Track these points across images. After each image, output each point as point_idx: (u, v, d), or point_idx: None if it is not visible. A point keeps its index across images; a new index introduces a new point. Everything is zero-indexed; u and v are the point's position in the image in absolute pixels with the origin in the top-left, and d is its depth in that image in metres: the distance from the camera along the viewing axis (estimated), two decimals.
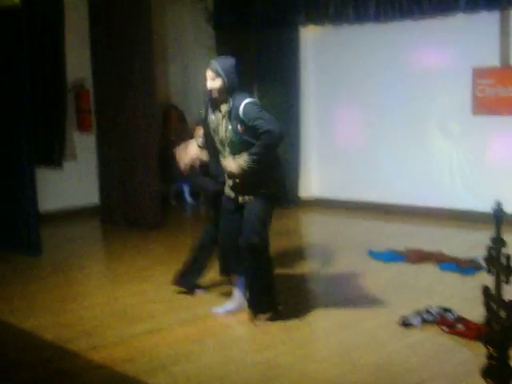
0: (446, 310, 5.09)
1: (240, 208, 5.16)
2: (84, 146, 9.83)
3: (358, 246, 7.37)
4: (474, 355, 4.24)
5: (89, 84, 9.62)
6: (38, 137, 8.90)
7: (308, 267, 6.83)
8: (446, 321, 4.93)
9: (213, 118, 5.13)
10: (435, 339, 4.77)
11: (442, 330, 4.85)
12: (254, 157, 4.90)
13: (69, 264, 7.41)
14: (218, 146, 5.14)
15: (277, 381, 4.25)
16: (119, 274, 6.84)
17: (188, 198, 10.41)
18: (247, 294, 5.26)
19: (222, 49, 10.95)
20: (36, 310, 5.74)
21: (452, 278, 6.25)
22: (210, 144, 5.26)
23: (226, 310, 5.44)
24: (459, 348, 4.62)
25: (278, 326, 5.14)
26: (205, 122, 5.23)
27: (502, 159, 8.42)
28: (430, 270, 6.57)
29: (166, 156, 9.82)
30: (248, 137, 4.93)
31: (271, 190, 5.13)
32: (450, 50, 8.71)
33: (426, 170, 9.07)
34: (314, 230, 9.37)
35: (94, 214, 9.60)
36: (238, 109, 4.93)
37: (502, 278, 2.33)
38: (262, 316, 5.19)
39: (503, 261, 2.35)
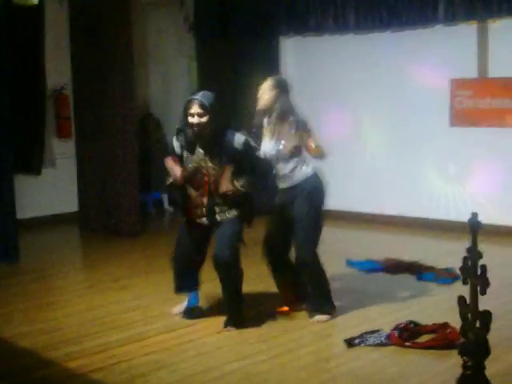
0: (412, 322, 5.08)
1: (206, 229, 5.37)
2: (63, 153, 9.78)
3: (336, 255, 7.38)
4: (450, 365, 4.27)
5: (68, 91, 9.59)
6: (16, 144, 8.83)
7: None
8: (402, 337, 4.89)
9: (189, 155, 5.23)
10: (411, 350, 4.79)
11: (406, 345, 4.82)
12: (250, 183, 5.17)
13: (47, 272, 7.37)
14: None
15: None
16: (98, 282, 6.82)
17: (167, 207, 10.40)
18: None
19: (202, 58, 10.99)
20: (14, 318, 5.72)
21: (429, 288, 6.29)
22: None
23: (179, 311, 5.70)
24: (436, 358, 4.65)
25: (256, 335, 5.16)
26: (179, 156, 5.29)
27: (480, 170, 8.51)
28: (407, 279, 6.61)
29: (145, 164, 9.83)
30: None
31: (248, 210, 5.33)
32: (428, 61, 8.78)
33: (404, 181, 9.12)
34: None
35: (73, 221, 9.54)
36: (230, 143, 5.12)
37: (478, 288, 2.37)
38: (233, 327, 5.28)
39: (479, 271, 2.39)
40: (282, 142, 5.25)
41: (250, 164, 5.17)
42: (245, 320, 5.34)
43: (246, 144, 5.16)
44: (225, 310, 5.38)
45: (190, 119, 5.06)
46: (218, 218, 5.24)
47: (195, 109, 5.03)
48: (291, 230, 5.38)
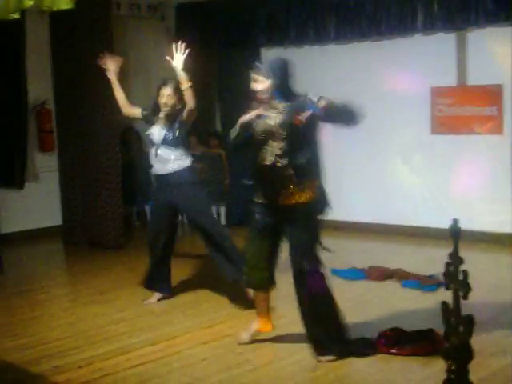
0: (397, 329, 5.08)
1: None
2: (46, 167, 9.76)
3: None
4: (435, 371, 4.29)
5: (51, 104, 9.58)
6: None
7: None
8: (387, 344, 4.91)
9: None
10: (396, 357, 4.81)
11: (392, 353, 4.85)
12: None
13: (31, 286, 7.33)
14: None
15: None
16: (82, 296, 6.80)
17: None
18: None
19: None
20: None
21: (413, 295, 6.33)
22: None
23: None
24: (421, 365, 4.67)
25: (242, 345, 5.16)
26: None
27: (461, 177, 8.57)
28: (391, 287, 6.65)
29: (128, 176, 9.81)
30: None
31: None
32: (408, 69, 8.86)
33: (386, 188, 9.18)
34: None
35: (57, 235, 9.53)
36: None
37: (460, 293, 2.40)
38: None
39: (461, 277, 2.42)
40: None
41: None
42: None
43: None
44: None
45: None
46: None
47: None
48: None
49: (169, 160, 6.09)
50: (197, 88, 10.74)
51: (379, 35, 8.85)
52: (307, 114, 4.57)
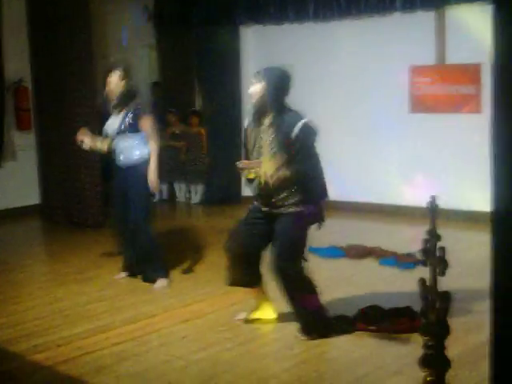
0: (375, 306, 5.14)
1: None
2: (24, 146, 9.69)
3: None
4: (413, 348, 4.34)
5: (28, 82, 9.50)
6: None
7: None
8: (365, 321, 4.95)
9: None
10: (375, 334, 4.86)
11: (370, 330, 4.89)
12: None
13: (9, 265, 7.29)
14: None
15: (221, 377, 4.29)
16: (61, 275, 6.78)
17: None
18: None
19: (162, 47, 10.97)
20: None
21: (391, 273, 6.38)
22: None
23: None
24: (399, 342, 4.72)
25: (221, 323, 5.19)
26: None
27: (439, 156, 8.62)
28: (370, 265, 6.70)
29: (107, 154, 9.75)
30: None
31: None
32: (387, 48, 8.87)
33: (365, 167, 9.22)
34: None
35: (35, 213, 9.49)
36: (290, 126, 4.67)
37: (438, 270, 2.42)
38: None
39: (438, 253, 2.43)
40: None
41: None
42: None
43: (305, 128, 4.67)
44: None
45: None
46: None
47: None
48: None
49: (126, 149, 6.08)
50: (176, 66, 10.83)
51: (358, 14, 8.84)
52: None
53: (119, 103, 6.05)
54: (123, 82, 6.02)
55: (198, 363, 4.50)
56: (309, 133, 4.68)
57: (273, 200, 4.76)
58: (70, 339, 4.97)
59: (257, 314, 5.22)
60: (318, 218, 4.83)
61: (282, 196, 4.72)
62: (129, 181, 6.07)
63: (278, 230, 4.78)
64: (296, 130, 4.61)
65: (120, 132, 6.04)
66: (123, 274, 6.45)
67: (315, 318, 4.84)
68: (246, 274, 5.02)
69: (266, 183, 4.67)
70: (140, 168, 6.04)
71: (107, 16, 10.66)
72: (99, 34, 10.03)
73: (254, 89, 4.73)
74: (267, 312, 5.22)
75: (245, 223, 5.00)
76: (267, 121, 4.73)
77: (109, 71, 6.03)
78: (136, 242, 6.15)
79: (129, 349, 4.77)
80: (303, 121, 4.67)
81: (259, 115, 4.77)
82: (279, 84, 4.72)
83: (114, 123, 6.08)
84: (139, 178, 6.03)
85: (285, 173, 4.61)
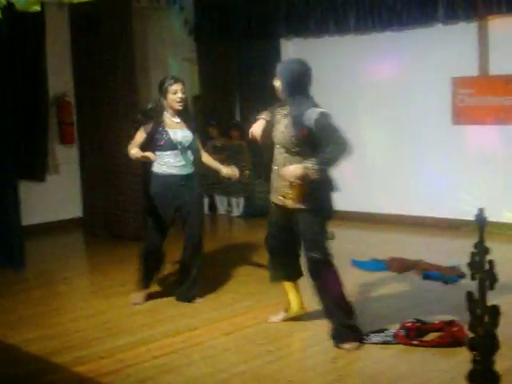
0: (418, 320, 5.06)
1: None
2: (67, 159, 9.80)
3: (341, 255, 7.35)
4: (458, 362, 4.27)
5: (71, 97, 9.61)
6: (20, 151, 8.86)
7: None
8: (408, 336, 4.89)
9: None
10: (419, 348, 4.79)
11: (413, 344, 4.82)
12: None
13: (53, 277, 7.38)
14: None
15: None
16: (103, 287, 6.82)
17: None
18: None
19: (203, 61, 11.02)
20: (20, 324, 5.72)
21: (434, 286, 6.29)
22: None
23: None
24: (443, 356, 4.64)
25: (263, 336, 5.16)
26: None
27: (483, 168, 8.50)
28: (413, 278, 6.61)
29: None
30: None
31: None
32: (429, 60, 8.79)
33: (408, 180, 9.13)
34: None
35: (78, 227, 9.58)
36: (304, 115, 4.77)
37: (486, 284, 2.37)
38: None
39: (487, 266, 2.39)
40: None
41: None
42: None
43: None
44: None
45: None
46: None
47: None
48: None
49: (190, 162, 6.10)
50: (217, 79, 10.87)
51: (400, 25, 8.79)
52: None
53: (186, 115, 6.07)
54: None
55: (240, 376, 4.48)
56: (325, 118, 4.78)
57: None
58: (113, 351, 4.99)
59: (288, 314, 5.38)
60: (332, 186, 4.93)
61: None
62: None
63: (299, 228, 4.92)
64: (312, 118, 4.73)
65: (191, 144, 6.07)
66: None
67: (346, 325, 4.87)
68: (285, 268, 5.22)
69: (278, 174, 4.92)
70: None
71: (148, 30, 10.74)
72: (140, 48, 10.11)
73: (276, 84, 5.03)
74: (296, 307, 5.37)
75: (273, 219, 5.24)
76: (284, 112, 4.99)
77: (174, 82, 5.92)
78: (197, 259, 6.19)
79: (171, 361, 4.76)
80: (319, 110, 4.79)
81: (280, 107, 5.08)
82: (290, 77, 4.92)
83: (187, 135, 6.01)
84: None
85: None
